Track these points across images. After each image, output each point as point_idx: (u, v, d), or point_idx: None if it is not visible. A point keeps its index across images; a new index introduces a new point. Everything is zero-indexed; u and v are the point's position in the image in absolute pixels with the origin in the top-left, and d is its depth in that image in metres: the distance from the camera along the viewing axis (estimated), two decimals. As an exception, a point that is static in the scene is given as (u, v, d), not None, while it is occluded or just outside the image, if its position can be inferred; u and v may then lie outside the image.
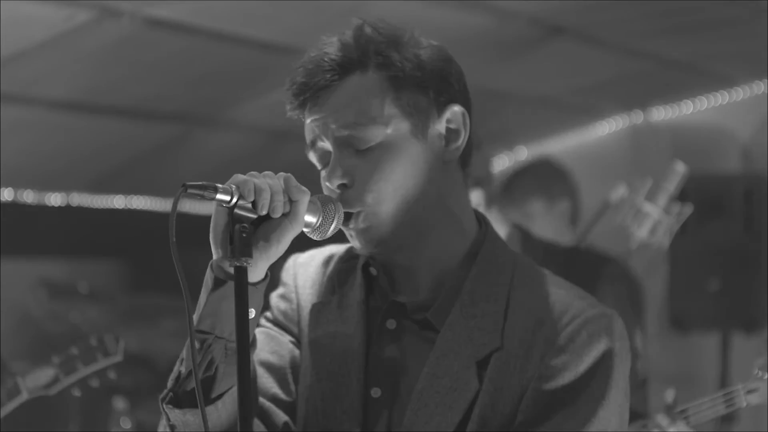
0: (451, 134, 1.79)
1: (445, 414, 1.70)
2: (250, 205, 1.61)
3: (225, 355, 1.65)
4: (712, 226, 5.09)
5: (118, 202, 5.96)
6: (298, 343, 1.83)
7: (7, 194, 5.43)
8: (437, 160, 1.77)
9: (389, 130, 1.73)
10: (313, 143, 1.76)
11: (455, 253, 1.79)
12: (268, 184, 1.62)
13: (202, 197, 1.58)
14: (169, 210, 1.57)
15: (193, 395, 1.65)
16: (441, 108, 1.78)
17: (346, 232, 1.77)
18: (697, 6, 4.29)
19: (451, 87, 1.78)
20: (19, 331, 5.65)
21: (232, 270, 1.61)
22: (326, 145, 1.74)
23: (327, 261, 1.88)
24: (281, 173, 1.67)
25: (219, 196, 1.59)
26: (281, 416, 1.77)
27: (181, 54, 4.30)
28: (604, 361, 1.70)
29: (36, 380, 3.02)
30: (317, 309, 1.83)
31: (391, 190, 1.73)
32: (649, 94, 5.74)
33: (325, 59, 1.74)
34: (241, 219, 1.61)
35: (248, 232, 1.61)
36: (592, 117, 6.00)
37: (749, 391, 2.78)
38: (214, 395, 1.66)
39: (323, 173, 1.77)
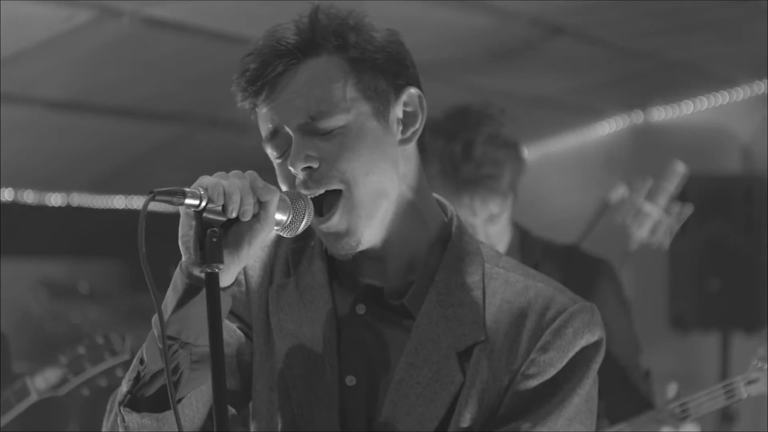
0: (409, 117, 1.75)
1: (427, 406, 1.67)
2: (219, 209, 1.57)
3: (190, 360, 1.62)
4: (713, 226, 5.10)
5: (118, 202, 5.96)
6: (248, 327, 1.78)
7: (7, 194, 5.44)
8: (397, 145, 1.74)
9: (351, 115, 1.69)
10: (274, 133, 1.70)
11: (420, 240, 1.76)
12: (237, 186, 1.58)
13: (171, 203, 1.54)
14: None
15: (152, 400, 1.63)
16: (398, 91, 1.74)
17: (322, 232, 1.71)
18: (697, 6, 4.29)
19: (407, 70, 1.75)
20: (19, 331, 5.65)
21: (202, 275, 1.57)
22: (286, 132, 1.69)
23: (277, 241, 1.82)
24: (248, 172, 1.62)
25: (188, 201, 1.54)
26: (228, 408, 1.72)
27: (181, 54, 4.31)
28: (585, 354, 1.69)
29: (45, 381, 3.01)
30: (276, 292, 1.77)
31: (363, 173, 1.68)
32: (649, 94, 5.74)
33: (281, 43, 1.69)
34: (210, 223, 1.57)
35: (219, 236, 1.56)
36: (592, 117, 6.00)
37: (749, 382, 2.77)
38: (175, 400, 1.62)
39: (278, 162, 1.72)
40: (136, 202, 5.98)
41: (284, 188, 1.72)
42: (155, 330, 1.63)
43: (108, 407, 1.72)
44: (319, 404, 1.70)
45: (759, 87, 5.52)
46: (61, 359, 3.01)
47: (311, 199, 1.68)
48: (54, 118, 4.71)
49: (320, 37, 1.70)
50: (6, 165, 4.88)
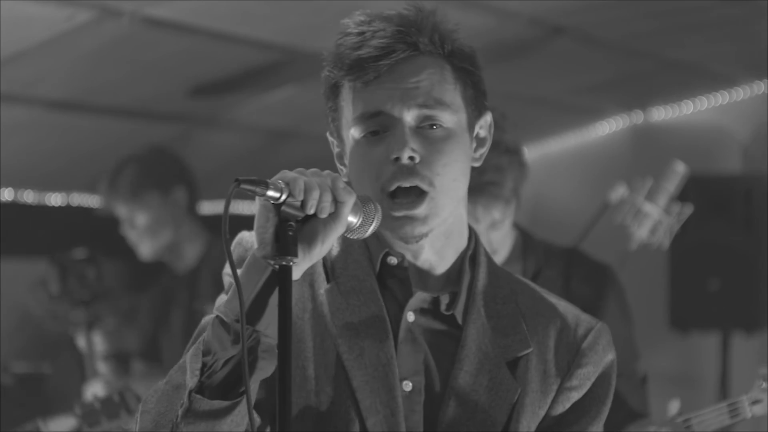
0: (480, 140, 1.82)
1: (486, 413, 1.73)
2: (298, 204, 1.59)
3: (260, 349, 1.63)
4: (713, 226, 5.09)
5: (119, 202, 5.95)
6: None
7: (7, 194, 5.43)
8: (471, 161, 1.80)
9: (457, 119, 1.75)
10: (376, 114, 1.72)
11: (462, 254, 1.82)
12: (317, 183, 1.60)
13: (254, 193, 1.57)
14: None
15: (219, 389, 1.63)
16: (481, 112, 1.81)
17: (392, 217, 1.73)
18: (697, 6, 4.29)
19: (485, 91, 1.82)
20: (19, 330, 5.64)
21: (276, 267, 1.59)
22: (391, 117, 1.72)
23: None
24: (327, 172, 1.65)
25: (270, 193, 1.57)
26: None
27: (181, 54, 4.30)
28: (610, 369, 1.80)
29: (58, 428, 3.03)
30: (326, 298, 1.78)
31: (451, 179, 1.73)
32: (649, 94, 5.74)
33: (404, 31, 1.72)
34: (288, 217, 1.59)
35: (295, 230, 1.59)
36: (592, 117, 5.99)
37: (753, 402, 2.77)
38: (241, 389, 1.64)
39: (365, 140, 1.73)
40: (136, 202, 5.97)
41: (365, 168, 1.74)
42: (225, 317, 1.63)
43: (140, 408, 1.71)
44: (384, 410, 1.72)
45: (759, 87, 5.51)
46: (77, 410, 3.03)
47: (399, 187, 1.72)
48: (54, 118, 4.71)
49: (439, 40, 1.75)
50: (6, 165, 4.87)
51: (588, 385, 1.78)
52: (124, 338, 4.32)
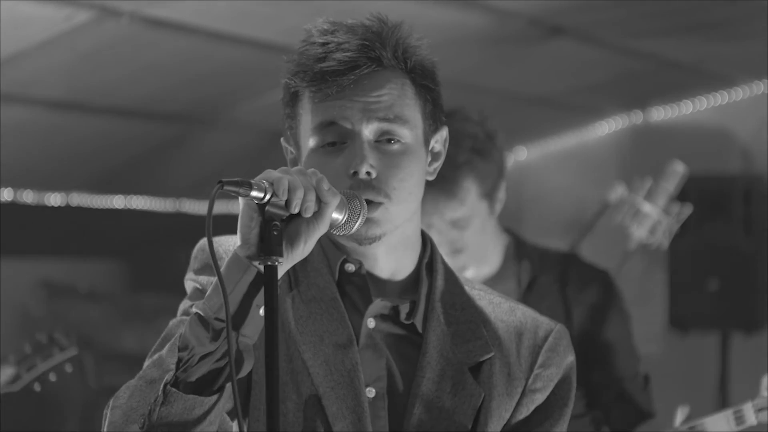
0: (435, 155, 1.83)
1: (452, 419, 1.73)
2: (282, 203, 1.58)
3: (237, 347, 1.63)
4: (712, 226, 5.10)
5: (118, 202, 5.96)
6: None
7: (7, 194, 5.44)
8: (425, 175, 1.81)
9: (414, 134, 1.75)
10: (329, 124, 1.72)
11: (416, 263, 1.83)
12: (301, 182, 1.59)
13: (238, 193, 1.55)
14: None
15: (195, 385, 1.62)
16: (438, 127, 1.82)
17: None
18: (697, 6, 4.29)
19: (443, 107, 1.83)
20: (19, 331, 5.65)
21: (261, 267, 1.58)
22: (350, 130, 1.72)
23: None
24: (312, 170, 1.63)
25: (254, 193, 1.56)
26: None
27: (181, 54, 4.31)
28: (571, 371, 1.83)
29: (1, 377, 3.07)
30: (290, 305, 1.78)
31: (407, 193, 1.74)
32: (649, 94, 5.74)
33: (368, 45, 1.72)
34: (272, 216, 1.58)
35: (280, 230, 1.59)
36: (592, 117, 6.00)
37: (759, 410, 2.77)
38: (216, 387, 1.64)
39: (321, 150, 1.73)
40: (136, 202, 5.98)
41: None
42: (203, 312, 1.62)
43: (111, 404, 1.69)
44: (352, 415, 1.72)
45: (759, 87, 5.52)
46: (10, 357, 3.07)
47: None
48: (54, 118, 4.71)
49: (402, 55, 1.75)
50: (6, 165, 4.88)
51: (551, 386, 1.80)
52: None
